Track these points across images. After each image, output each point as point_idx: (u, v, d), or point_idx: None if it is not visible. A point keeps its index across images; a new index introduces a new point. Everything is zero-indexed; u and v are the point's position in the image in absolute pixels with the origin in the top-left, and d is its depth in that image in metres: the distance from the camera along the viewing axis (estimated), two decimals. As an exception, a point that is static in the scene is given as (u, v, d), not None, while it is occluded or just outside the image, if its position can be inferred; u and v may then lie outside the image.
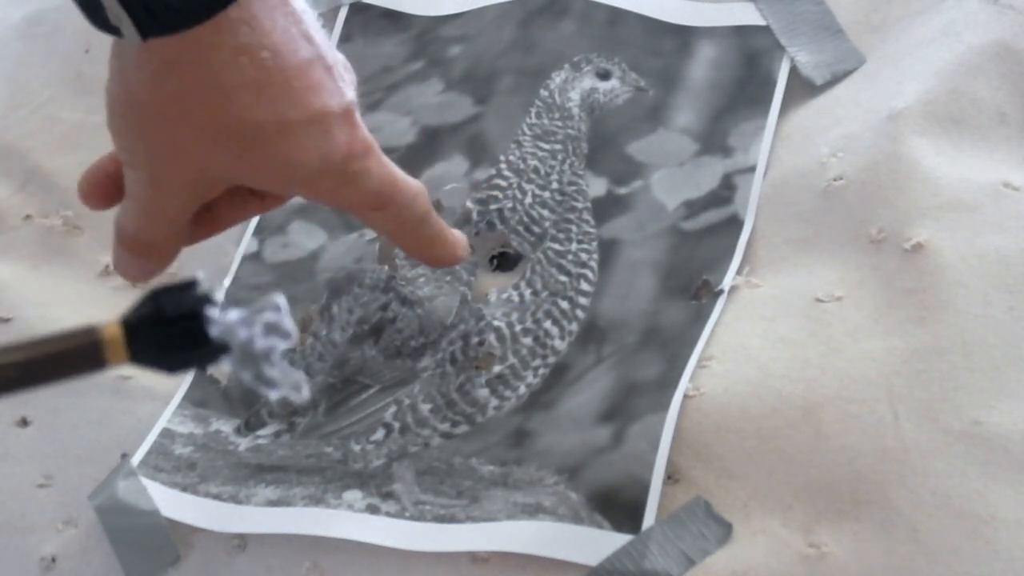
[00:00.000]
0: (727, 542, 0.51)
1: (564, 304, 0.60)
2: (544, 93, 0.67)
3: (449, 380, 0.59)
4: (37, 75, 0.75)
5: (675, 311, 0.58)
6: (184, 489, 0.58)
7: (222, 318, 0.31)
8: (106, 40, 0.43)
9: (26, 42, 0.77)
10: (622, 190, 0.63)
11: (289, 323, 0.33)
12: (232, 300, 0.64)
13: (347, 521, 0.55)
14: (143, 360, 0.31)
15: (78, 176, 0.47)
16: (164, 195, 0.45)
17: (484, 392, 0.58)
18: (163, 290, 0.31)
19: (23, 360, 0.30)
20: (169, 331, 0.31)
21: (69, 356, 0.31)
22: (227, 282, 0.65)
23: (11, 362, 0.30)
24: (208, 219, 0.49)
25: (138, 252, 0.47)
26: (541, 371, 0.59)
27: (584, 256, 0.61)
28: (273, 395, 0.33)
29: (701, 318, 0.57)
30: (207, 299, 0.31)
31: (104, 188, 0.47)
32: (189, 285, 0.31)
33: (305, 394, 0.33)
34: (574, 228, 0.62)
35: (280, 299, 0.33)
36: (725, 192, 0.62)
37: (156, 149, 0.43)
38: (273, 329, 0.32)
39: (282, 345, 0.33)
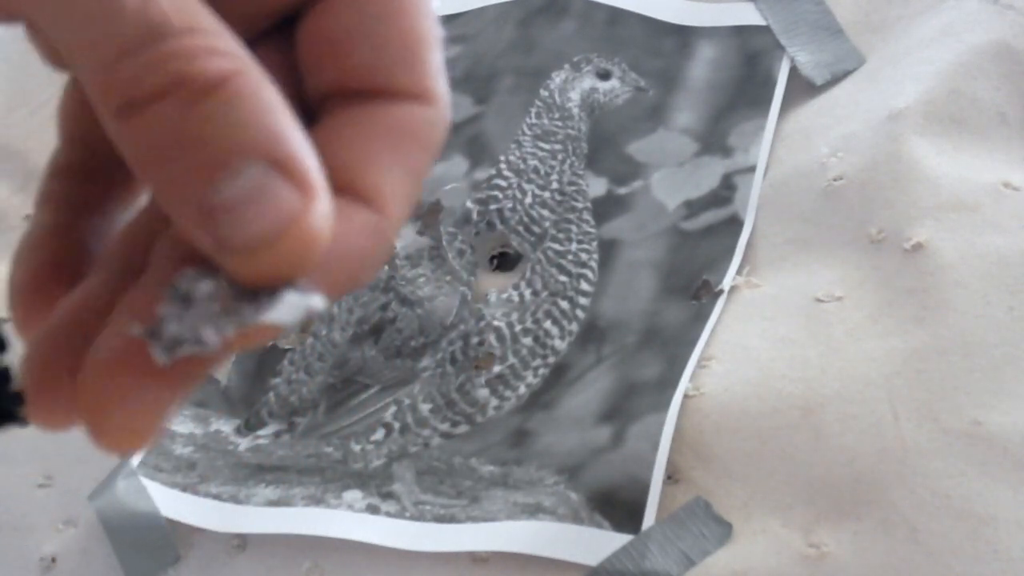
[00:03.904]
0: (727, 542, 0.51)
1: (564, 304, 0.60)
2: (544, 93, 0.67)
3: (449, 380, 0.59)
4: (37, 75, 0.75)
5: (675, 311, 0.58)
6: (184, 489, 0.58)
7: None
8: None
9: (26, 42, 0.77)
10: (622, 190, 0.63)
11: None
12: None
13: (347, 521, 0.55)
14: None
15: None
16: None
17: (484, 392, 0.58)
18: None
19: None
20: None
21: None
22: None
23: None
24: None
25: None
26: (541, 371, 0.59)
27: (584, 256, 0.61)
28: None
29: (701, 318, 0.57)
30: None
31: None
32: None
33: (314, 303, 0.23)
34: (574, 228, 0.62)
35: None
36: (725, 192, 0.62)
37: None
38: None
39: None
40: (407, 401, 0.59)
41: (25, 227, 0.27)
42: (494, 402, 0.58)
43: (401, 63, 0.24)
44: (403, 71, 0.24)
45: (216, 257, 0.21)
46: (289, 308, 0.22)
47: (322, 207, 0.21)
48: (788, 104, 0.64)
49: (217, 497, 0.58)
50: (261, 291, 0.22)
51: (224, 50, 0.21)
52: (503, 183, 0.64)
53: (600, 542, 0.51)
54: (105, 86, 0.21)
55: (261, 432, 0.60)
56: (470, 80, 0.69)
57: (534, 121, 0.66)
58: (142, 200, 0.27)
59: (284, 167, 0.21)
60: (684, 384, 0.55)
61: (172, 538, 0.57)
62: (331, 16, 0.24)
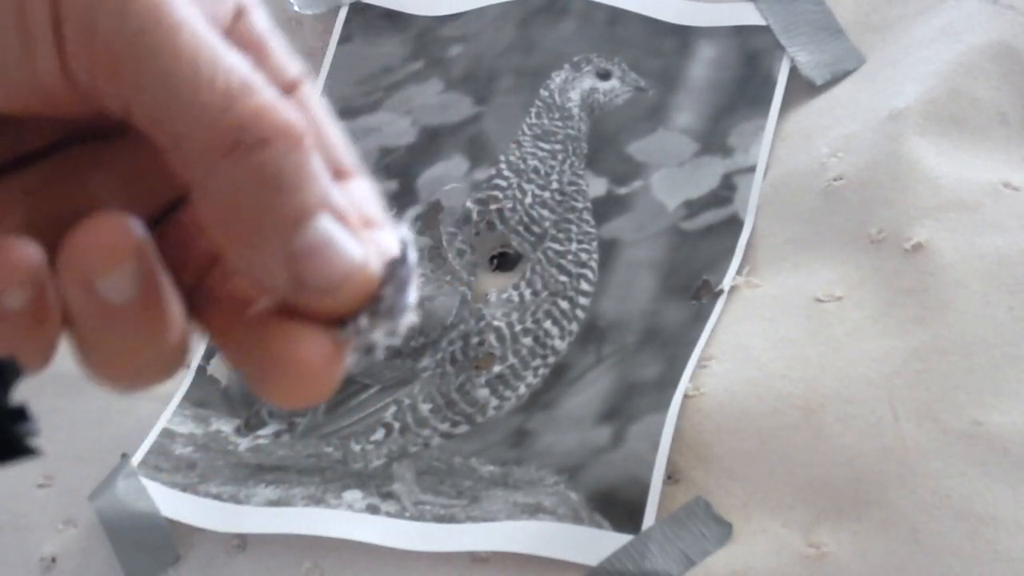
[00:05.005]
0: (727, 542, 0.51)
1: (564, 304, 0.60)
2: (544, 93, 0.67)
3: (449, 380, 0.59)
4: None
5: (675, 311, 0.58)
6: (184, 489, 0.58)
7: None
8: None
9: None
10: (622, 190, 0.63)
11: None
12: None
13: (347, 521, 0.55)
14: None
15: None
16: None
17: (484, 392, 0.58)
18: None
19: None
20: None
21: None
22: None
23: None
24: None
25: None
26: (541, 371, 0.59)
27: (584, 256, 0.61)
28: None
29: (701, 318, 0.57)
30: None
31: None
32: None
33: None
34: (574, 228, 0.62)
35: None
36: (725, 192, 0.62)
37: None
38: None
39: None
40: (407, 401, 0.59)
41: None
42: (494, 402, 0.58)
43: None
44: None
45: (293, 294, 0.25)
46: (405, 312, 0.26)
47: (374, 254, 0.25)
48: (788, 104, 0.64)
49: (217, 497, 0.58)
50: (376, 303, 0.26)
51: (293, 105, 0.25)
52: (503, 183, 0.64)
53: (600, 542, 0.51)
54: (214, 132, 0.24)
55: (261, 432, 0.60)
56: (470, 80, 0.69)
57: (534, 121, 0.66)
58: None
59: (344, 219, 0.25)
60: (684, 384, 0.55)
61: (172, 538, 0.57)
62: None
